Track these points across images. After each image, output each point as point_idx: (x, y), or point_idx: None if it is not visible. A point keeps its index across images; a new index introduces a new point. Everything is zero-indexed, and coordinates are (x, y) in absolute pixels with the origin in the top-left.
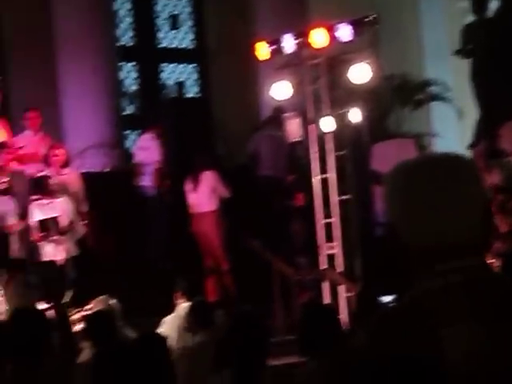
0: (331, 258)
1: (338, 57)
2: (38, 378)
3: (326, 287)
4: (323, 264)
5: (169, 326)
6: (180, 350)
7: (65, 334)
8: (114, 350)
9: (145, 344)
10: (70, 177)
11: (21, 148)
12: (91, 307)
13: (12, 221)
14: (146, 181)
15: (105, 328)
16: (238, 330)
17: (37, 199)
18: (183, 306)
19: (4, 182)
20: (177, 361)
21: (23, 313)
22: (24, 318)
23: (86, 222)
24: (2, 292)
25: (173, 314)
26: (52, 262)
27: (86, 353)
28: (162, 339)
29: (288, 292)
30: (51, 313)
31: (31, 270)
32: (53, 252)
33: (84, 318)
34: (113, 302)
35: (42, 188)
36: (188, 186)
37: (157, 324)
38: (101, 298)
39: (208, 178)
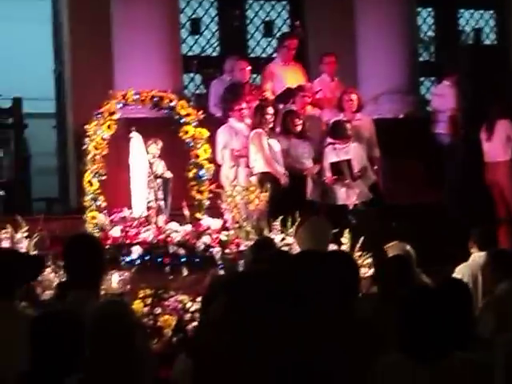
0: None
1: None
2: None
3: None
4: None
5: (461, 275)
6: (484, 298)
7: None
8: (418, 292)
9: (450, 289)
10: (363, 122)
11: (317, 92)
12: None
13: (307, 164)
14: (441, 128)
15: (404, 272)
16: None
17: (332, 143)
18: (477, 255)
19: (300, 125)
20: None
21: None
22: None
23: (378, 167)
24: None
25: (466, 263)
26: (344, 206)
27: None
28: (466, 286)
29: None
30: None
31: (323, 214)
32: (345, 196)
33: (378, 263)
34: (408, 247)
35: (338, 132)
36: (483, 135)
37: (448, 272)
38: (394, 243)
39: (504, 127)
